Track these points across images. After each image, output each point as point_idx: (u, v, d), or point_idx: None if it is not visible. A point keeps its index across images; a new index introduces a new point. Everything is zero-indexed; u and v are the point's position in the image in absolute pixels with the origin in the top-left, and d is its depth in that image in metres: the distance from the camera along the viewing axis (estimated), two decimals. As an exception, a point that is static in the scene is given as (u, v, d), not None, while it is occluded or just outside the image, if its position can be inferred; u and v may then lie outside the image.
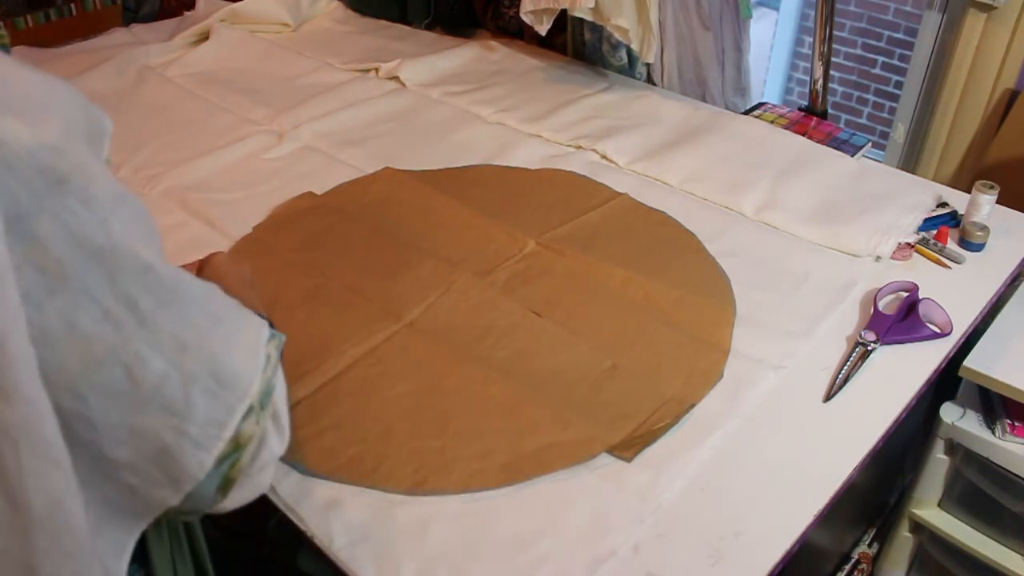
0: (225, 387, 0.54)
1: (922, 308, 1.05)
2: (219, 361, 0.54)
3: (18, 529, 0.47)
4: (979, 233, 1.16)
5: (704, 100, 1.82)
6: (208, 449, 0.54)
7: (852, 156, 1.41)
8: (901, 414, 0.93)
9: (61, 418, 0.48)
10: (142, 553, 0.62)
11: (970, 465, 1.13)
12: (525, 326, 1.02)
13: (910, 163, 1.85)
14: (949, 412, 1.12)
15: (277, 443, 0.60)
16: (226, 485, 0.56)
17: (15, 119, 0.46)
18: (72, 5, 1.85)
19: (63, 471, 0.48)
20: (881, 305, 1.06)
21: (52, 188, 0.47)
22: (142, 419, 0.51)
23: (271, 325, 0.62)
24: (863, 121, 3.02)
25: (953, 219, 1.22)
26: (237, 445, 0.55)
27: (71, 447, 0.49)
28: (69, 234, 0.47)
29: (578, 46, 1.75)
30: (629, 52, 1.66)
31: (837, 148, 1.43)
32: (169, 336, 0.52)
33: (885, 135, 2.13)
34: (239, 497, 0.59)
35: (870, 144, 1.50)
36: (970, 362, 1.06)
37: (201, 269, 0.82)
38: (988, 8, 1.59)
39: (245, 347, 0.57)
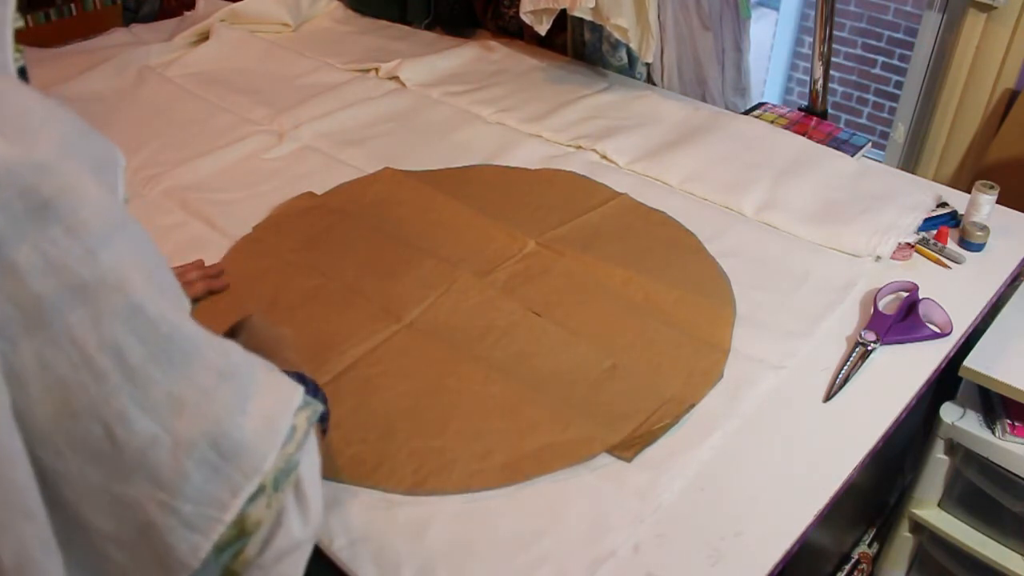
0: (228, 460, 0.46)
1: (922, 308, 1.05)
2: (223, 428, 0.46)
3: None
4: (979, 233, 1.16)
5: (704, 100, 1.82)
6: (204, 533, 0.46)
7: (852, 156, 1.41)
8: (901, 414, 0.93)
9: (39, 473, 0.43)
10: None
11: (970, 465, 1.13)
12: (525, 326, 1.02)
13: (910, 163, 1.85)
14: (949, 412, 1.12)
15: (300, 527, 0.51)
16: None
17: None
18: (72, 5, 1.85)
19: (36, 524, 0.43)
20: (881, 305, 1.06)
21: (34, 212, 0.42)
22: (125, 488, 0.44)
23: (317, 391, 0.53)
24: (863, 121, 3.02)
25: (953, 219, 1.22)
26: (241, 531, 0.47)
27: (52, 508, 0.44)
28: (49, 266, 0.42)
29: (578, 46, 1.75)
30: (629, 52, 1.66)
31: (837, 148, 1.43)
32: (162, 394, 0.45)
33: (885, 135, 2.13)
34: None
35: (870, 144, 1.50)
36: (970, 362, 1.06)
37: (236, 332, 0.75)
38: (988, 8, 1.59)
39: (261, 414, 0.48)
